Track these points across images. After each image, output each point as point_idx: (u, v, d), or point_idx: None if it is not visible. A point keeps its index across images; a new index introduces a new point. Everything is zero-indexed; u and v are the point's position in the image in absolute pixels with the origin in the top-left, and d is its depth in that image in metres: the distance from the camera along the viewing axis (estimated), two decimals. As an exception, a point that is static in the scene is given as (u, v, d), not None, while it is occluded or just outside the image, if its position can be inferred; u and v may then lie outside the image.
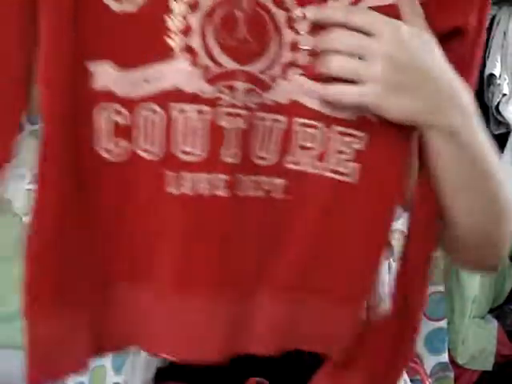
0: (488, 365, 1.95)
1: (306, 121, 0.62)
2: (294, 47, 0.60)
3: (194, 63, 0.59)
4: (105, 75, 0.58)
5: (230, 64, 0.59)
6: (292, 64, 0.61)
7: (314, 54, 0.61)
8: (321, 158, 0.63)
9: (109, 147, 0.60)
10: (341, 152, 0.63)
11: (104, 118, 0.59)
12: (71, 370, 0.62)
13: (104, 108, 0.59)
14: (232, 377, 0.71)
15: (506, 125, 2.02)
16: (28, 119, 0.62)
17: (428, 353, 1.88)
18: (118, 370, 1.51)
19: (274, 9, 0.59)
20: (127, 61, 0.58)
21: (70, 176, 0.59)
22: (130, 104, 0.59)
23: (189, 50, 0.59)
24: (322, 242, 0.64)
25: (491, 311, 2.00)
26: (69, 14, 0.57)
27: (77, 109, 0.59)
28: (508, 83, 2.01)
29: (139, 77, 0.59)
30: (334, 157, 0.63)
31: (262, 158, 0.62)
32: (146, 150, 0.60)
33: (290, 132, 0.62)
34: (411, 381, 1.50)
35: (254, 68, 0.60)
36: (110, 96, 0.59)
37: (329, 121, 0.62)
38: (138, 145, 0.60)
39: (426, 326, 1.85)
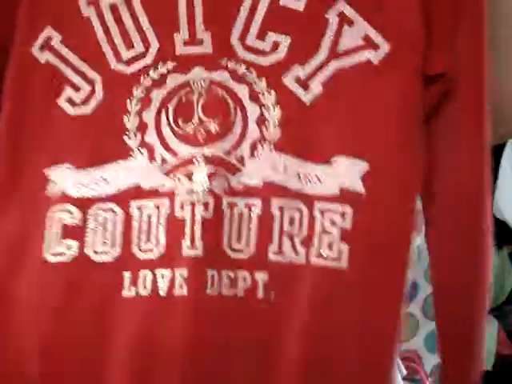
0: (488, 365, 1.95)
1: (285, 202, 0.56)
2: (261, 121, 0.56)
3: (151, 158, 0.57)
4: (61, 179, 0.57)
5: (187, 151, 0.56)
6: (261, 139, 0.56)
7: (283, 125, 0.56)
8: (305, 243, 0.55)
9: (57, 250, 0.57)
10: (326, 233, 0.55)
11: (55, 221, 0.57)
12: None
13: (55, 211, 0.57)
14: None
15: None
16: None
17: (428, 353, 1.86)
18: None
19: (233, 85, 0.56)
20: (86, 162, 0.57)
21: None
22: (84, 205, 0.57)
23: (145, 145, 0.57)
24: (317, 347, 0.56)
25: (491, 311, 2.00)
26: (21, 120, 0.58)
27: (30, 214, 0.58)
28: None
29: (97, 177, 0.57)
30: (319, 240, 0.56)
31: (238, 250, 0.56)
32: (98, 252, 0.56)
33: (268, 217, 0.56)
34: (411, 381, 1.51)
35: (217, 150, 0.55)
36: (64, 198, 0.57)
37: (310, 199, 0.55)
38: (89, 246, 0.56)
39: (426, 326, 1.83)
